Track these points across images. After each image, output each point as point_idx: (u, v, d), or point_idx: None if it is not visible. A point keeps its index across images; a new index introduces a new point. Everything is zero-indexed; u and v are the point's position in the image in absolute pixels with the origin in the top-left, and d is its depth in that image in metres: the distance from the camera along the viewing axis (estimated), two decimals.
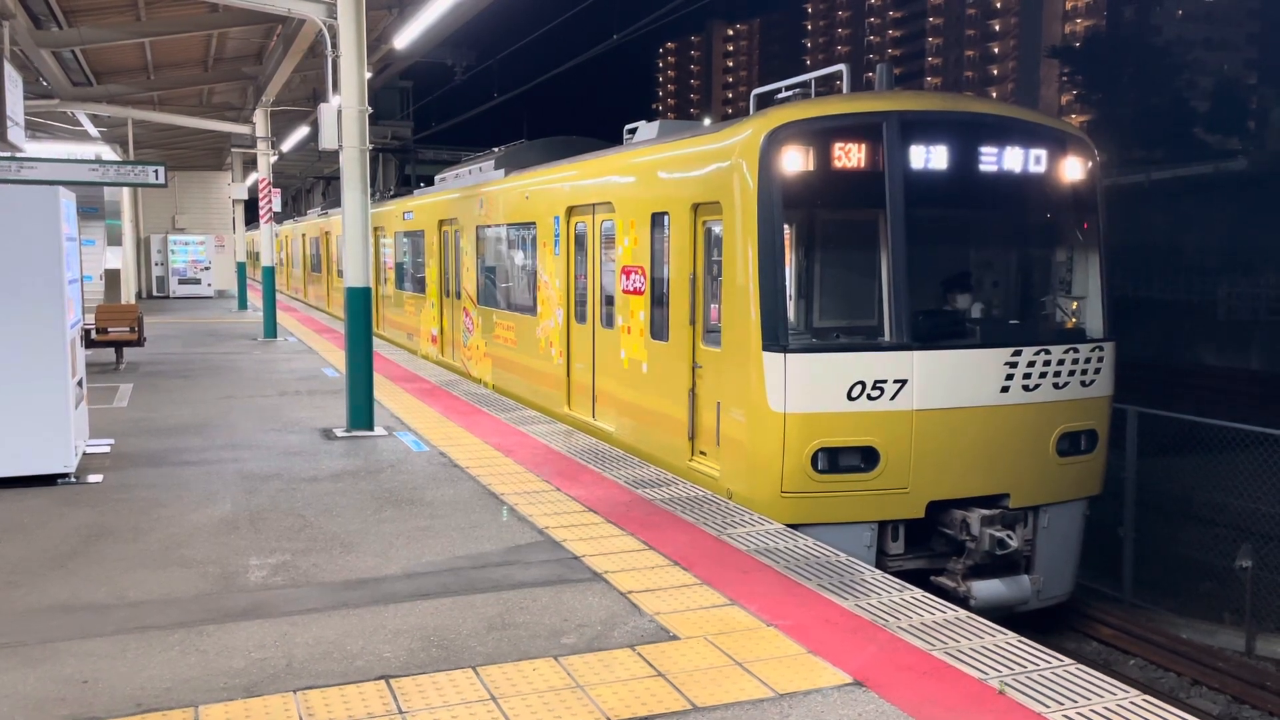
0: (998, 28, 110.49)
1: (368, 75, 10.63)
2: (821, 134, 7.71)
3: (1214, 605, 9.74)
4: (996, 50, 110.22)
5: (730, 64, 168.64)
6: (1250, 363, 28.77)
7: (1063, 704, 4.26)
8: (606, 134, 13.93)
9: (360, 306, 10.43)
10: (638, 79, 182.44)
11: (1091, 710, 4.21)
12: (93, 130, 24.70)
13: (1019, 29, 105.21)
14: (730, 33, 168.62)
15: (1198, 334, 31.13)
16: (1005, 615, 7.60)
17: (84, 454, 8.79)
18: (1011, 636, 5.02)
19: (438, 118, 36.72)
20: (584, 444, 9.69)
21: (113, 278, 27.61)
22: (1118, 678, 5.48)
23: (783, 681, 4.46)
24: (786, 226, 7.83)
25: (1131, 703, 4.29)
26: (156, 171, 18.43)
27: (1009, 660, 4.71)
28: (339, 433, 10.20)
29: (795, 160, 7.67)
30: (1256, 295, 32.44)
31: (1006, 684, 4.42)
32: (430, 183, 20.28)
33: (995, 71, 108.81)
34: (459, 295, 15.95)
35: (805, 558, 6.20)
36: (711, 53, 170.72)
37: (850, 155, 7.71)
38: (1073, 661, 4.73)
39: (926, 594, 5.63)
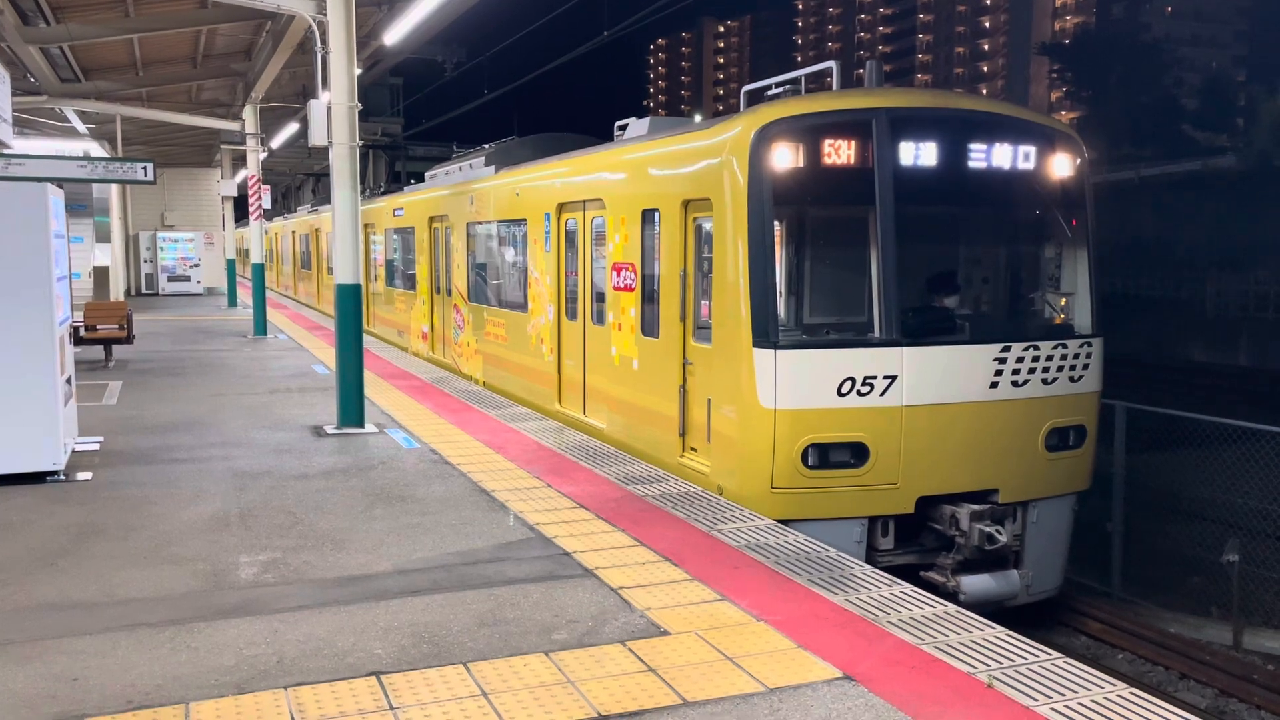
0: (988, 25, 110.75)
1: (357, 72, 10.62)
2: (811, 130, 7.72)
3: (1202, 600, 9.80)
4: (986, 47, 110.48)
5: (721, 61, 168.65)
6: (1238, 359, 28.95)
7: (1051, 698, 4.28)
8: (597, 131, 13.93)
9: (351, 303, 10.41)
10: (629, 76, 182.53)
11: (1079, 703, 4.23)
12: (81, 127, 24.58)
13: (1009, 26, 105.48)
14: (721, 29, 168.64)
15: (1186, 330, 31.30)
16: (995, 610, 7.64)
17: (73, 451, 8.75)
18: (1000, 631, 5.04)
19: (428, 114, 36.76)
20: (575, 440, 9.69)
21: (101, 275, 27.49)
22: (1106, 672, 5.51)
23: (773, 676, 4.48)
24: (776, 223, 7.84)
25: (1119, 696, 4.31)
26: (145, 168, 18.33)
27: (997, 654, 4.73)
28: (329, 430, 10.19)
29: (785, 157, 7.68)
30: (1244, 291, 32.62)
31: (995, 678, 4.45)
32: (420, 179, 20.25)
33: (985, 69, 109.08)
34: (450, 292, 15.94)
35: (795, 553, 6.22)
36: (702, 50, 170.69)
37: (840, 152, 7.72)
38: (1061, 656, 4.75)
39: (915, 589, 5.65)
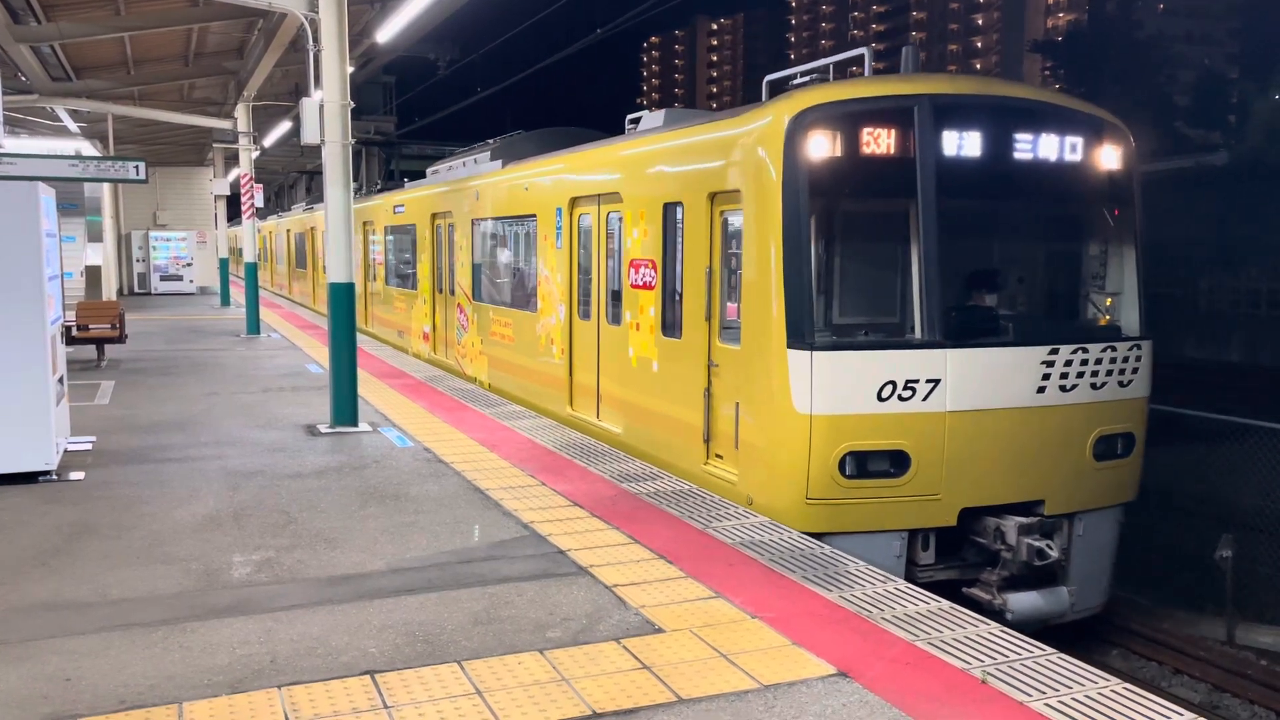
0: (980, 22, 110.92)
1: (350, 70, 10.59)
2: (849, 118, 7.25)
3: (1195, 595, 9.82)
4: (979, 44, 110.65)
5: (714, 58, 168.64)
6: (1230, 355, 29.05)
7: (1045, 693, 4.29)
8: (592, 127, 13.88)
9: (343, 302, 10.38)
10: (622, 73, 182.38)
11: (1073, 698, 4.24)
12: (72, 126, 24.50)
13: (1001, 23, 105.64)
14: (714, 27, 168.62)
15: (1179, 327, 31.37)
16: (1040, 628, 7.24)
17: (65, 451, 8.72)
18: (994, 627, 5.05)
19: (421, 113, 36.65)
20: (570, 439, 9.68)
21: (93, 274, 27.44)
22: (1100, 667, 5.51)
23: (767, 673, 4.48)
24: (812, 216, 7.34)
25: (1113, 691, 4.32)
26: (137, 167, 18.27)
27: (992, 650, 4.74)
28: (323, 429, 10.16)
29: (822, 146, 7.21)
30: (1237, 288, 32.71)
31: (989, 673, 4.45)
32: (415, 177, 20.13)
33: (979, 66, 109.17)
34: (453, 291, 15.58)
35: (790, 550, 6.22)
36: (696, 47, 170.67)
37: (880, 141, 7.25)
38: (1055, 651, 4.76)
39: (910, 585, 5.65)
